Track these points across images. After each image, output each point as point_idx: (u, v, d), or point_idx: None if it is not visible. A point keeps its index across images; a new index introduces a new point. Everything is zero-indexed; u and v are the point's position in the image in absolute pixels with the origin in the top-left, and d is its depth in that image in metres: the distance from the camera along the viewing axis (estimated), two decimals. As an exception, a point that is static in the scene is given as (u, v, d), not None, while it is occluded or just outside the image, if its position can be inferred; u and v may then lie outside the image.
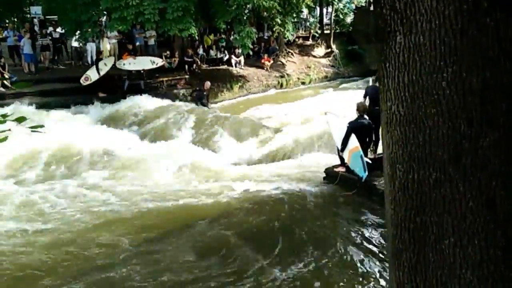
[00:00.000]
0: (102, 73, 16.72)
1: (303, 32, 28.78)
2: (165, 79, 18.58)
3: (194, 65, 19.79)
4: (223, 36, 22.68)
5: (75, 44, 19.85)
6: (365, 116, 8.24)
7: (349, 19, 28.15)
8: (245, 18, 18.49)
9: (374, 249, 6.32)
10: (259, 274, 5.77)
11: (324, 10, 29.21)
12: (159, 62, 17.87)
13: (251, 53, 21.27)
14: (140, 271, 5.87)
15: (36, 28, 21.85)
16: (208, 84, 16.59)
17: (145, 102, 15.87)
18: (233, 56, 21.30)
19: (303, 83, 23.58)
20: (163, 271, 5.88)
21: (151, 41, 19.44)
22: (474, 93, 1.49)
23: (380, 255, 6.12)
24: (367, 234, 6.78)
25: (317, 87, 23.01)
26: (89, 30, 17.67)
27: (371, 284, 5.56)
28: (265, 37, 24.49)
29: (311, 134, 11.71)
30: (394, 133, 1.72)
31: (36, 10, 22.13)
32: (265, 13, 19.47)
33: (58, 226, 7.17)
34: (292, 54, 24.82)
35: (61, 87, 16.61)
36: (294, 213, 7.53)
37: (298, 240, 6.67)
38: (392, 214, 1.85)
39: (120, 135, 12.90)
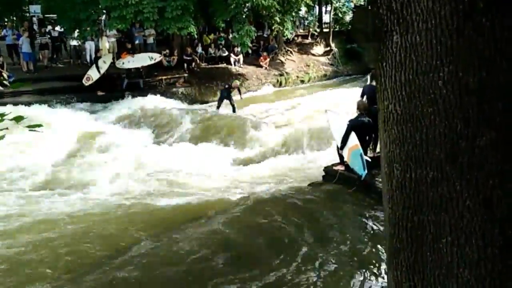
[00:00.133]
0: (102, 71, 16.73)
1: (302, 31, 28.74)
2: (164, 77, 18.58)
3: (193, 64, 19.76)
4: (222, 34, 22.65)
5: (73, 42, 19.83)
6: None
7: (348, 18, 28.13)
8: (244, 16, 18.49)
9: (373, 248, 6.32)
10: (257, 272, 5.77)
11: (323, 9, 29.16)
12: (157, 57, 17.87)
13: (250, 51, 21.24)
14: (136, 269, 5.87)
15: (35, 27, 21.82)
16: (237, 82, 16.04)
17: (144, 101, 15.87)
18: (232, 54, 21.28)
19: (302, 81, 23.55)
20: (162, 269, 5.87)
21: (150, 40, 19.42)
22: (470, 92, 1.49)
23: (379, 254, 6.12)
24: (365, 233, 6.78)
25: (316, 85, 22.98)
26: (88, 28, 17.68)
27: (370, 283, 5.56)
28: (265, 35, 24.45)
29: (311, 132, 11.70)
30: (391, 132, 1.73)
31: (35, 8, 22.07)
32: (264, 12, 19.46)
33: (59, 222, 7.17)
34: (291, 52, 24.79)
35: (60, 86, 16.63)
36: (292, 212, 7.51)
37: (296, 238, 6.66)
38: (389, 213, 1.85)
39: (121, 133, 12.91)
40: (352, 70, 25.87)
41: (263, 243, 6.55)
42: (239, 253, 6.27)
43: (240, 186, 8.59)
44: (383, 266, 5.74)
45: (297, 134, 11.75)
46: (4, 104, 13.77)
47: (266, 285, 5.55)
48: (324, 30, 27.65)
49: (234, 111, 15.23)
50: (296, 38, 26.85)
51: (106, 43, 18.83)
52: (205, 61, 21.05)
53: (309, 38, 27.39)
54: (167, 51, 19.27)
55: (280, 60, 23.70)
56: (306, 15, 28.26)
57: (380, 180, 6.70)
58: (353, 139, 8.02)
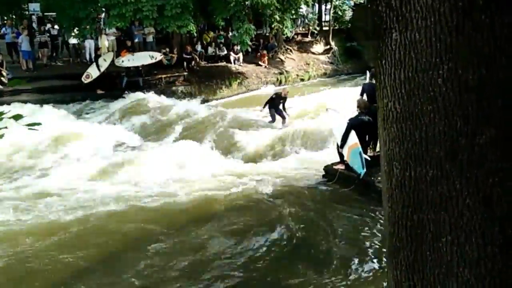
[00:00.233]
0: (102, 69, 16.75)
1: (302, 29, 28.73)
2: (163, 76, 18.57)
3: (193, 62, 19.74)
4: (222, 33, 22.63)
5: (73, 41, 19.81)
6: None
7: (348, 16, 28.09)
8: (243, 15, 18.47)
9: (373, 247, 6.33)
10: (256, 271, 5.77)
11: (323, 7, 29.13)
12: (157, 56, 17.86)
13: (249, 50, 21.22)
14: (134, 268, 5.88)
15: (34, 25, 21.80)
16: (286, 89, 14.07)
17: (143, 99, 15.87)
18: (231, 53, 21.27)
19: (302, 79, 23.52)
20: (162, 268, 5.88)
21: (150, 38, 19.40)
22: (470, 90, 1.48)
23: (379, 253, 6.12)
24: (365, 232, 6.79)
25: (316, 83, 22.97)
26: (88, 27, 17.65)
27: (369, 282, 5.56)
28: (266, 34, 24.43)
29: (311, 130, 11.69)
30: (391, 130, 1.72)
31: (35, 7, 22.07)
32: (263, 10, 19.43)
33: (61, 220, 7.15)
34: (291, 51, 24.77)
35: (59, 84, 16.63)
36: (292, 210, 7.52)
37: (296, 237, 6.67)
38: (389, 212, 1.85)
39: (118, 132, 12.91)
40: (352, 68, 25.83)
41: (261, 241, 6.56)
42: (238, 252, 6.27)
43: (239, 184, 8.58)
44: (383, 265, 5.74)
45: (297, 133, 11.73)
46: (2, 103, 13.75)
47: (265, 284, 5.55)
48: (324, 28, 27.62)
49: (284, 122, 13.31)
50: (295, 36, 26.83)
51: (105, 42, 18.81)
52: (204, 59, 21.04)
53: (309, 36, 27.37)
54: (167, 49, 19.25)
55: (280, 58, 23.69)
56: (306, 13, 28.18)
57: (380, 178, 6.71)
58: (353, 137, 8.02)
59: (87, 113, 15.34)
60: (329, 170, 8.79)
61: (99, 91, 16.72)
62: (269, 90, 20.86)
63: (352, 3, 28.03)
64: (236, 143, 12.09)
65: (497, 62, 1.44)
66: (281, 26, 20.58)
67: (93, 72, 16.65)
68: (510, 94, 1.46)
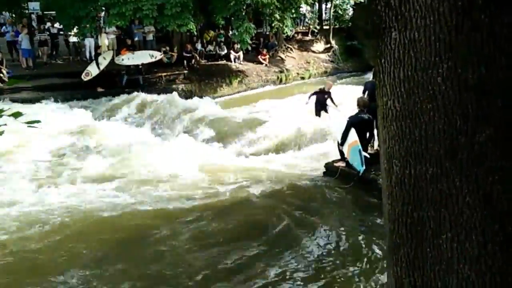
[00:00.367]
0: (102, 67, 16.78)
1: (302, 28, 28.72)
2: (163, 74, 18.58)
3: (193, 61, 19.74)
4: (222, 31, 22.62)
5: (73, 39, 19.80)
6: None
7: (348, 15, 28.06)
8: (243, 13, 18.47)
9: (373, 244, 6.33)
10: (256, 269, 5.78)
11: (323, 6, 29.11)
12: (157, 55, 17.88)
13: (250, 48, 21.21)
14: (135, 266, 5.88)
15: (34, 24, 21.77)
16: (330, 83, 13.28)
17: (143, 97, 15.89)
18: (232, 51, 21.26)
19: (302, 78, 23.54)
20: (161, 267, 5.89)
21: (150, 37, 19.40)
22: (469, 88, 1.49)
23: (379, 250, 6.13)
24: (365, 229, 6.79)
25: (317, 82, 22.96)
26: (87, 25, 17.64)
27: (370, 279, 5.57)
28: (266, 33, 24.39)
29: (311, 128, 11.69)
30: (390, 128, 1.73)
31: (34, 5, 21.99)
32: (263, 9, 19.42)
33: (64, 219, 7.15)
34: (291, 49, 24.77)
35: (59, 82, 16.64)
36: (293, 207, 7.53)
37: (296, 233, 6.68)
38: (389, 209, 1.86)
39: (122, 128, 12.93)
40: (352, 67, 25.87)
41: (262, 238, 6.57)
42: (237, 248, 6.28)
43: (240, 181, 8.58)
44: (382, 262, 5.75)
45: (298, 131, 11.73)
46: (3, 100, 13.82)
47: (264, 283, 5.56)
48: (324, 27, 27.62)
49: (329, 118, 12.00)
50: (296, 35, 26.83)
51: (105, 40, 18.79)
52: (204, 58, 21.03)
53: (309, 35, 27.37)
54: (167, 48, 19.25)
55: (280, 57, 23.69)
56: (306, 12, 28.16)
57: (380, 176, 6.71)
58: (353, 135, 8.03)
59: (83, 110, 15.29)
60: (329, 167, 8.80)
61: (99, 89, 16.74)
62: (270, 87, 20.94)
63: (352, 2, 28.01)
64: (236, 141, 12.10)
65: (497, 61, 1.45)
66: (281, 25, 20.57)
67: (92, 70, 16.67)
68: (509, 93, 1.47)
